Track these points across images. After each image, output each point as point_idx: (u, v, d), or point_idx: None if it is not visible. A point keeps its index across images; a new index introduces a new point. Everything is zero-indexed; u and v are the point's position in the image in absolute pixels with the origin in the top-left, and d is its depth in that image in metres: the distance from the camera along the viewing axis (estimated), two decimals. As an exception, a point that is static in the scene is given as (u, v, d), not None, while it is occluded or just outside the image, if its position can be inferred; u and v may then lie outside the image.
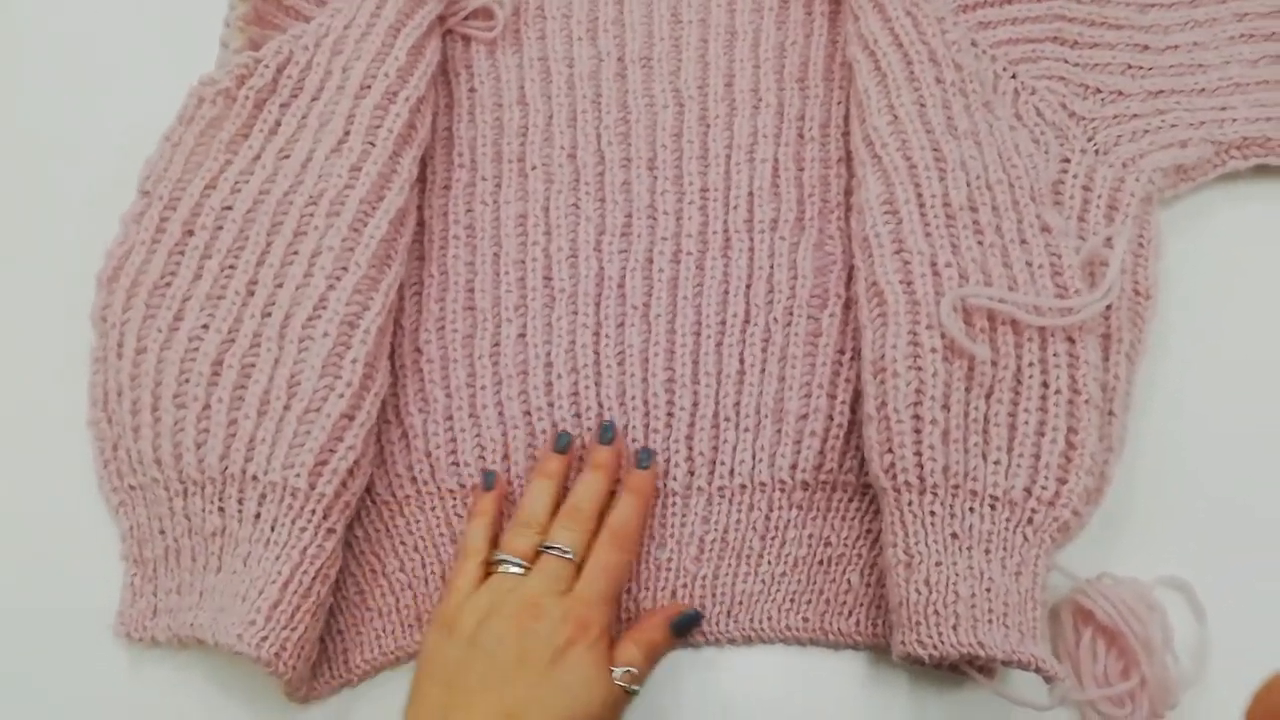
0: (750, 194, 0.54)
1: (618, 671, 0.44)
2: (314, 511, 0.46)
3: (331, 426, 0.46)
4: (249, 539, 0.46)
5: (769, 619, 0.48)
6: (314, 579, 0.45)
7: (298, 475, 0.46)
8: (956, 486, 0.45)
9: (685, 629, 0.47)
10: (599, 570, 0.45)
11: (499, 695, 0.41)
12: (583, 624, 0.43)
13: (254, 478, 0.46)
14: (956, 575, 0.43)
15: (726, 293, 0.52)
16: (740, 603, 0.49)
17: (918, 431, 0.45)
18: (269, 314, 0.49)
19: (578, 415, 0.51)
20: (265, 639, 0.43)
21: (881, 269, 0.48)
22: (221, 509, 0.47)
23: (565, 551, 0.45)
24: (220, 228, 0.51)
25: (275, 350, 0.48)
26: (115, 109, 0.59)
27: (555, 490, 0.48)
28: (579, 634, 0.43)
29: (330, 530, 0.46)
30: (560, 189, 0.55)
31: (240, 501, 0.46)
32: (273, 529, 0.45)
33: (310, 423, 0.47)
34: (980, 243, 0.48)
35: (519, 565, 0.45)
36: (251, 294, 0.50)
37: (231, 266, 0.50)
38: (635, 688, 0.45)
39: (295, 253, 0.50)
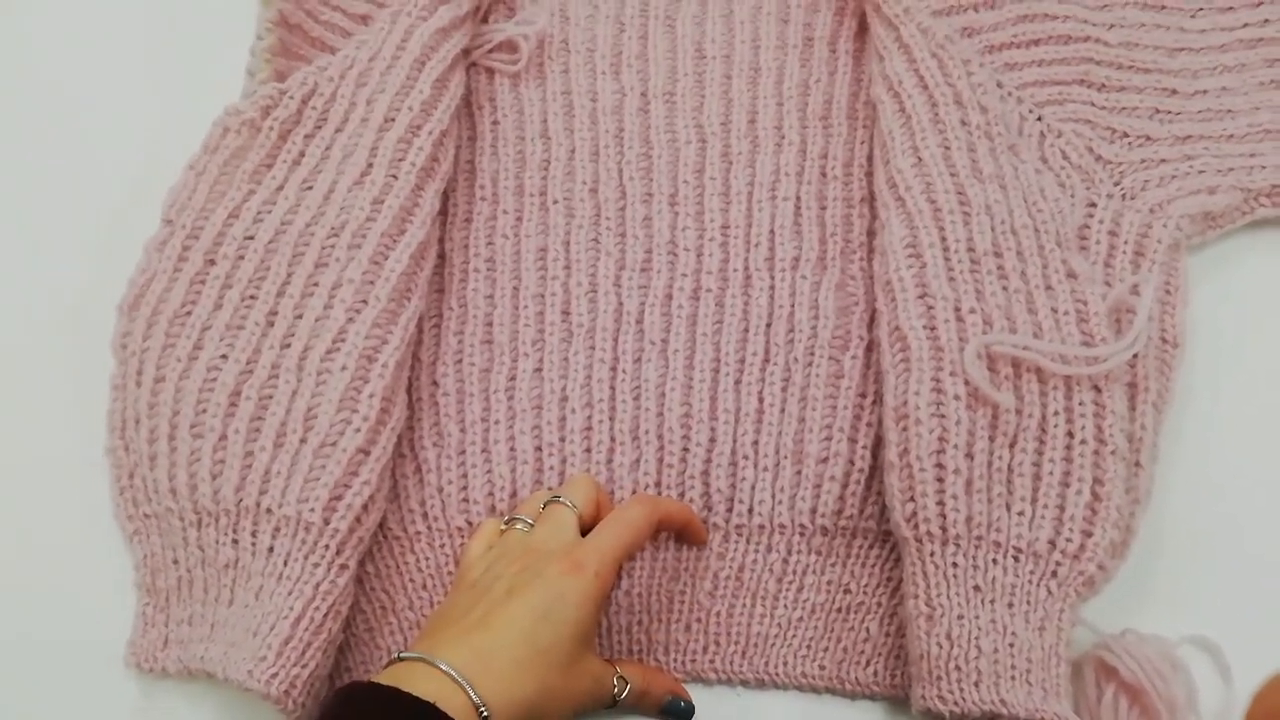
0: (772, 232, 0.54)
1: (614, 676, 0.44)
2: (327, 547, 0.45)
3: (347, 461, 0.46)
4: (261, 572, 0.45)
5: (784, 664, 0.48)
6: (326, 615, 0.45)
7: (312, 510, 0.45)
8: (979, 538, 0.44)
9: (672, 713, 0.46)
10: (614, 520, 0.44)
11: (471, 619, 0.41)
12: (577, 563, 0.42)
13: (268, 511, 0.46)
14: (979, 629, 0.42)
15: (746, 331, 0.52)
16: (755, 644, 0.48)
17: (940, 481, 0.44)
18: (288, 345, 0.49)
19: (589, 450, 0.51)
20: (275, 676, 0.43)
21: (904, 314, 0.47)
22: (235, 541, 0.46)
23: (571, 504, 0.45)
24: (242, 257, 0.51)
25: (293, 382, 0.48)
26: (139, 137, 0.59)
27: (587, 481, 0.47)
28: (571, 569, 0.42)
29: (343, 566, 0.46)
30: (581, 223, 0.55)
31: (254, 534, 0.46)
32: (285, 563, 0.45)
33: (326, 457, 0.46)
34: (1005, 288, 0.48)
35: (528, 523, 0.45)
36: (271, 325, 0.49)
37: (252, 297, 0.50)
38: (619, 695, 0.44)
39: (315, 284, 0.50)
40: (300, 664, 0.43)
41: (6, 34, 0.63)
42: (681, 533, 0.48)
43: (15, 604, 0.51)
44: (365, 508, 0.47)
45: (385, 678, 0.39)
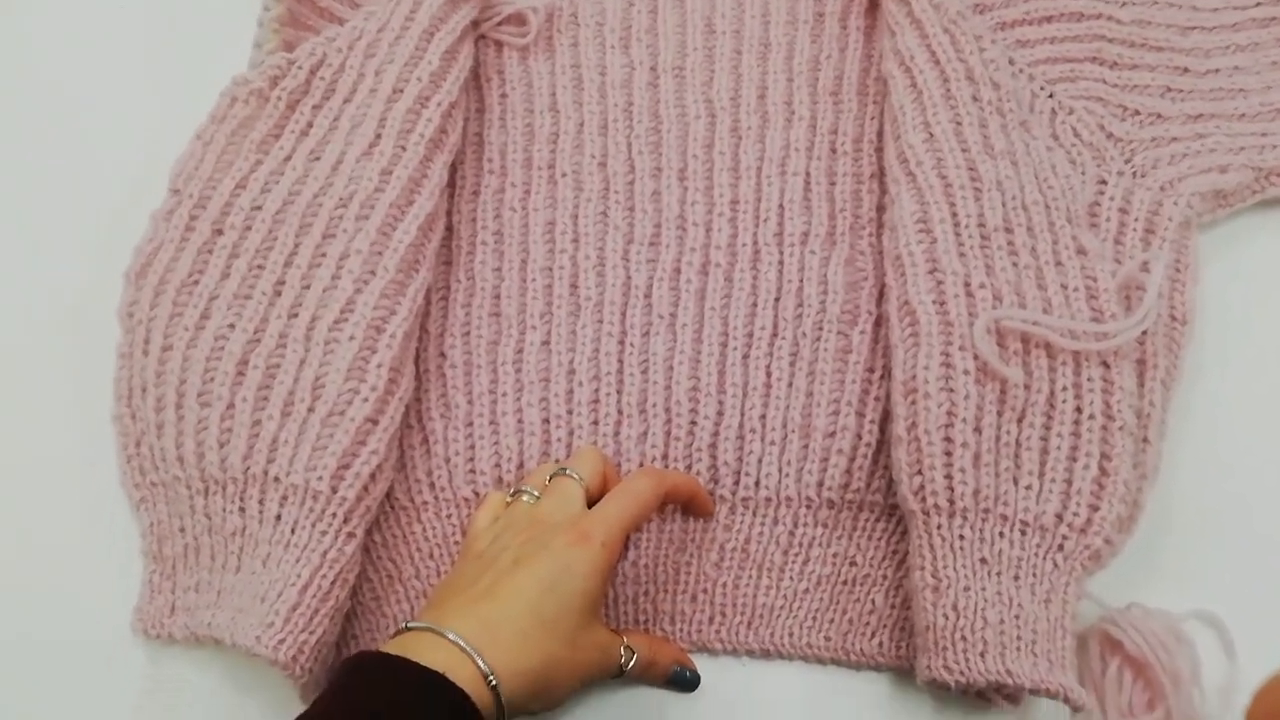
0: (781, 207, 0.54)
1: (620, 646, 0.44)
2: (335, 515, 0.45)
3: (355, 430, 0.46)
4: (269, 540, 0.45)
5: (790, 635, 0.48)
6: (333, 583, 0.45)
7: (319, 478, 0.46)
8: (987, 511, 0.44)
9: (678, 682, 0.47)
10: (621, 492, 0.44)
11: (477, 589, 0.41)
12: (584, 534, 0.42)
13: (275, 479, 0.46)
14: (985, 601, 0.42)
15: (755, 305, 0.52)
16: (760, 615, 0.48)
17: (948, 454, 0.44)
18: (295, 315, 0.49)
19: (596, 423, 0.51)
20: (283, 641, 0.43)
21: (914, 288, 0.47)
22: (242, 509, 0.47)
23: (578, 477, 0.45)
24: (249, 227, 0.51)
25: (301, 352, 0.48)
26: (139, 137, 0.58)
27: (594, 453, 0.47)
28: (578, 540, 0.42)
29: (350, 534, 0.46)
30: (590, 197, 0.55)
31: (261, 502, 0.46)
32: (293, 531, 0.45)
33: (334, 426, 0.46)
34: (1015, 264, 0.48)
35: (534, 495, 0.46)
36: (279, 295, 0.49)
37: (260, 266, 0.50)
38: (626, 666, 0.44)
39: (323, 255, 0.50)
40: (308, 630, 0.44)
41: (6, 34, 0.62)
42: (688, 505, 0.48)
43: (16, 603, 0.51)
44: (373, 477, 0.47)
45: (393, 647, 0.39)
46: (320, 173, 0.52)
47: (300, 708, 0.46)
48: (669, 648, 0.47)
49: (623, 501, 0.44)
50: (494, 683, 0.39)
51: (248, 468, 0.47)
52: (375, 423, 0.47)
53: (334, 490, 0.46)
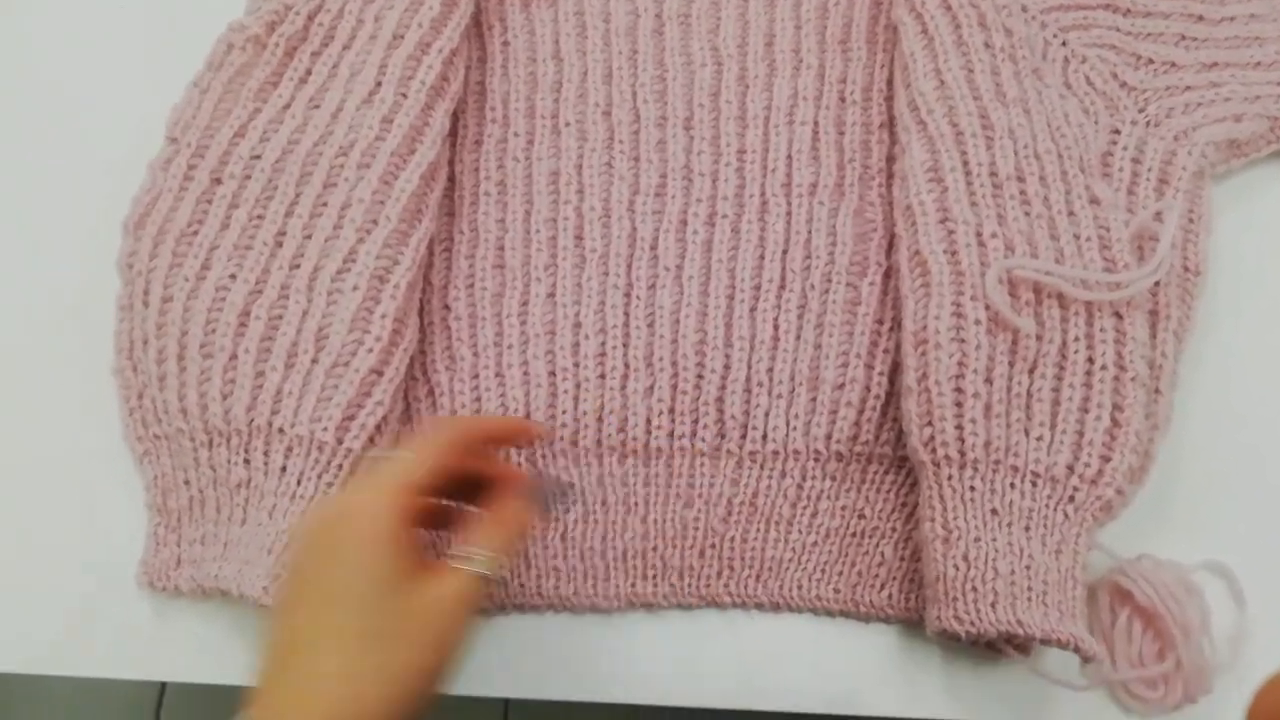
0: (789, 157, 0.53)
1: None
2: (340, 466, 0.45)
3: (360, 381, 0.46)
4: (275, 492, 0.45)
5: (799, 587, 0.48)
6: (339, 535, 0.44)
7: (324, 429, 0.45)
8: (997, 462, 0.44)
9: (555, 506, 0.42)
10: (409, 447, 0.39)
11: (278, 636, 0.36)
12: (360, 493, 0.37)
13: (280, 430, 0.46)
14: (996, 552, 0.42)
15: (762, 257, 0.51)
16: (769, 568, 0.48)
17: (959, 405, 0.44)
18: (297, 265, 0.48)
19: (602, 376, 0.50)
20: (289, 593, 0.43)
21: (925, 238, 0.46)
22: (247, 461, 0.46)
23: (401, 457, 0.39)
24: (249, 177, 0.50)
25: (304, 302, 0.47)
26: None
27: (441, 425, 0.44)
28: (353, 502, 0.37)
29: (356, 486, 0.45)
30: (594, 147, 0.54)
31: (266, 454, 0.46)
32: (299, 483, 0.45)
33: (338, 377, 0.46)
34: (1027, 213, 0.47)
35: None
36: (280, 245, 0.49)
37: (260, 216, 0.50)
38: (495, 573, 0.38)
39: (324, 204, 0.49)
40: (314, 582, 0.43)
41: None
42: (515, 443, 0.46)
43: (29, 524, 0.51)
44: (378, 428, 0.46)
45: None
46: (320, 121, 0.51)
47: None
48: (506, 504, 0.40)
49: (407, 454, 0.39)
50: None
51: (252, 419, 0.46)
52: (380, 374, 0.46)
53: (339, 441, 0.45)
